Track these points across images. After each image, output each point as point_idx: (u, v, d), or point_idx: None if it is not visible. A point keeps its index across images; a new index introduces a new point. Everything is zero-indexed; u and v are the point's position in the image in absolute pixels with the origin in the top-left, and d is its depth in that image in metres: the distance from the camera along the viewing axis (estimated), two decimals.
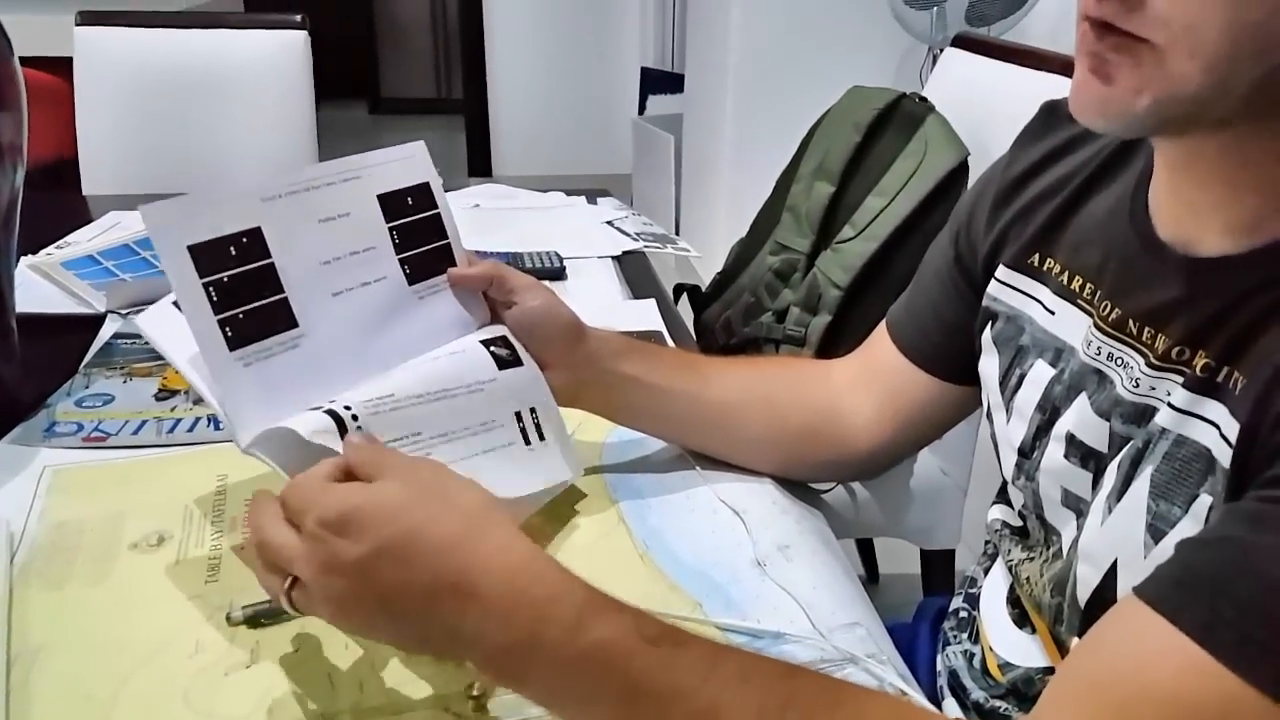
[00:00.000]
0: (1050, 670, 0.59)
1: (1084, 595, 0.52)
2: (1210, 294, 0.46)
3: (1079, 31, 0.45)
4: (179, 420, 0.78)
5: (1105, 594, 0.50)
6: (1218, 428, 0.45)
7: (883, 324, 0.74)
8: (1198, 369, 0.46)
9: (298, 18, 1.60)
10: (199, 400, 0.80)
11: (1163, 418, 0.47)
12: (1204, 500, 0.45)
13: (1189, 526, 0.45)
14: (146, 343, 0.90)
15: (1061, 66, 1.00)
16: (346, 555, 0.43)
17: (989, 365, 0.62)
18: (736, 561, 0.63)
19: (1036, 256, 0.59)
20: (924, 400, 0.70)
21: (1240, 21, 0.39)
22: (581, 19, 4.05)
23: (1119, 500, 0.49)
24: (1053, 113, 0.63)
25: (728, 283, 1.31)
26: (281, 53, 1.59)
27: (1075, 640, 0.54)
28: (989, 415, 0.64)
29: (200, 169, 1.58)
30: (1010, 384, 0.60)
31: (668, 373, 0.71)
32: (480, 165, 4.31)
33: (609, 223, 1.32)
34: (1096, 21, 0.43)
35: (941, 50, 1.38)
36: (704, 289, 1.36)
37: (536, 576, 0.44)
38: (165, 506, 0.66)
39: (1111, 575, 0.50)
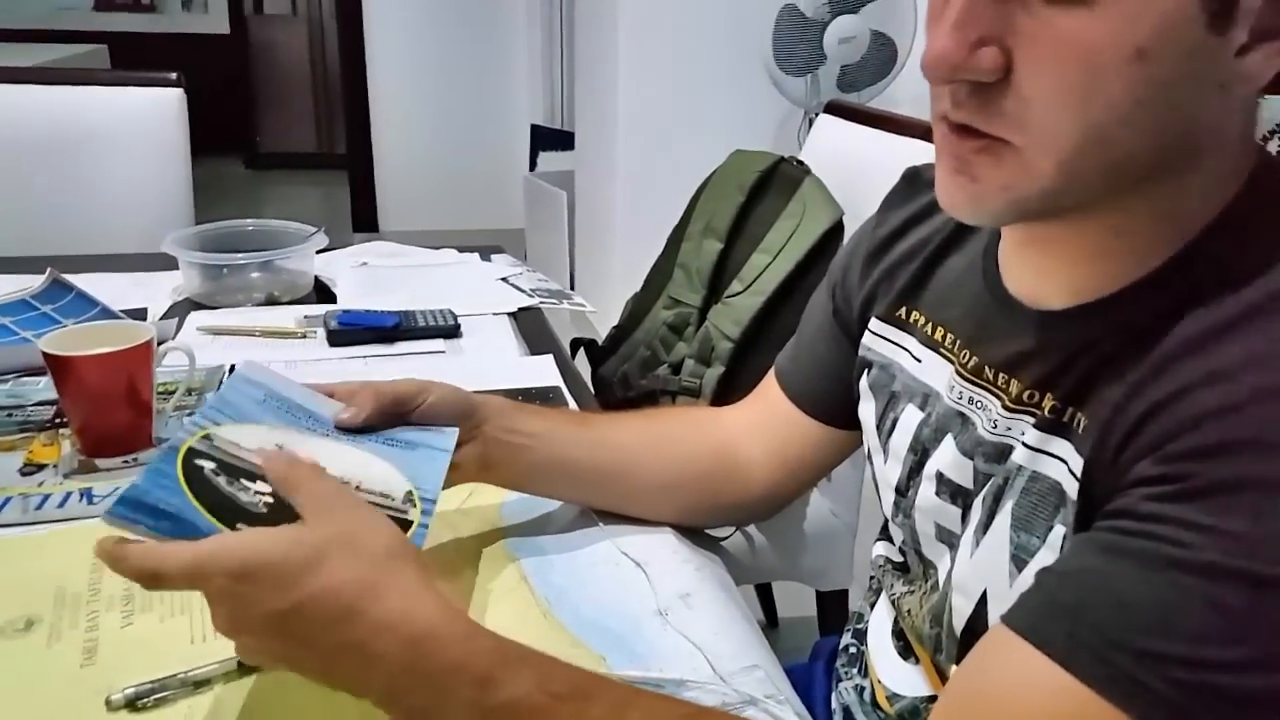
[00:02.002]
0: (934, 698, 0.62)
1: (959, 624, 0.55)
2: (1054, 344, 0.51)
3: (938, 132, 0.48)
4: (47, 496, 0.73)
5: (977, 623, 0.53)
6: (1065, 463, 0.48)
7: (771, 372, 0.78)
8: (1046, 410, 0.50)
9: (173, 75, 1.55)
10: (71, 473, 0.76)
11: (1018, 455, 0.51)
12: (1058, 530, 0.48)
13: (1047, 555, 0.49)
14: (9, 414, 0.85)
15: (923, 132, 1.08)
16: (254, 611, 0.44)
17: (867, 410, 0.66)
18: (639, 613, 0.64)
19: (903, 310, 0.64)
20: (810, 443, 0.75)
21: (1092, 122, 0.42)
22: (469, 75, 4.08)
23: (985, 534, 0.53)
24: (914, 180, 0.69)
25: (624, 337, 1.33)
26: (156, 110, 1.54)
27: (954, 668, 0.56)
28: (869, 457, 0.68)
29: (71, 229, 1.50)
30: (885, 427, 0.64)
31: (565, 428, 0.72)
32: (365, 220, 4.25)
33: (504, 279, 1.32)
34: (956, 124, 0.46)
35: (816, 114, 1.46)
36: (600, 343, 1.38)
37: (442, 640, 0.45)
38: (34, 588, 0.62)
39: (982, 604, 0.53)
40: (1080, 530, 0.47)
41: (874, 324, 0.66)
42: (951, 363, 0.58)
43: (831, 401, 0.73)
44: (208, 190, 1.59)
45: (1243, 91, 0.44)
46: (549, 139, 3.56)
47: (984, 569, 0.53)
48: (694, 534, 0.76)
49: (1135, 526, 0.42)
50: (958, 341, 0.58)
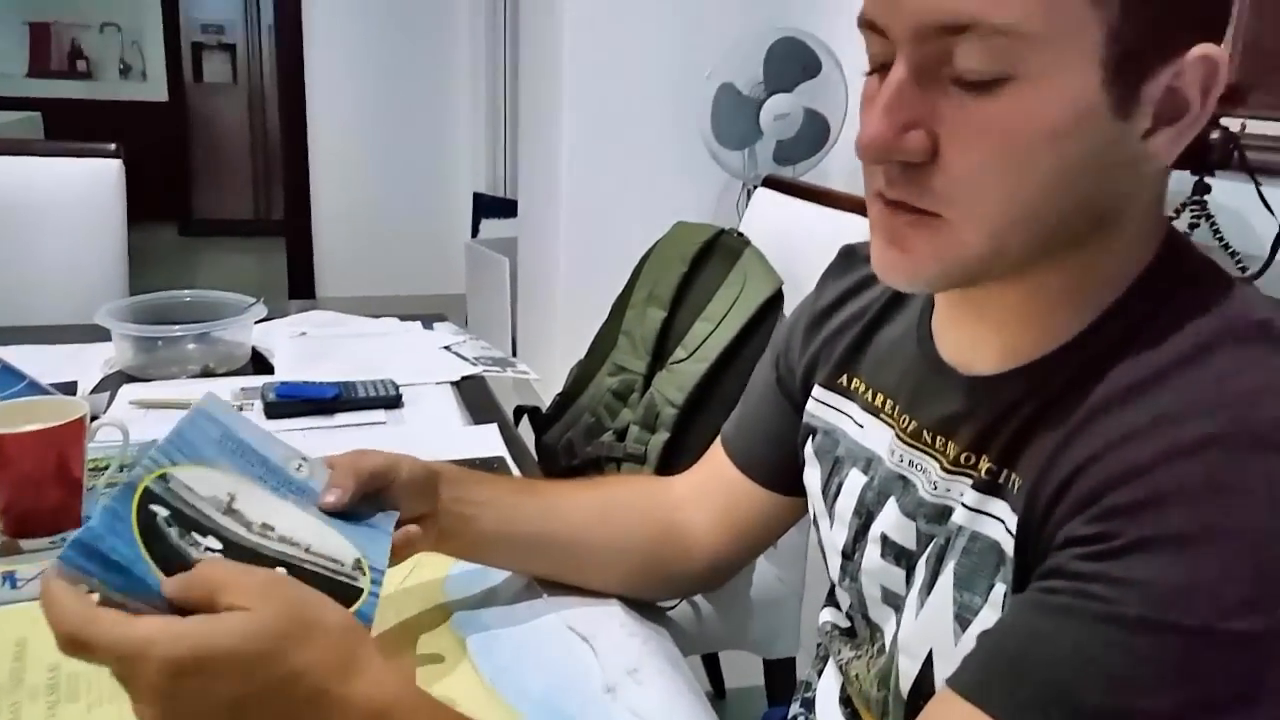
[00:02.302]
0: None
1: (905, 686, 0.56)
2: (986, 407, 0.53)
3: (873, 208, 0.51)
4: None
5: (924, 684, 0.54)
6: (1002, 522, 0.50)
7: (718, 440, 0.79)
8: (983, 471, 0.52)
9: (111, 146, 1.54)
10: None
11: (958, 516, 0.53)
12: (999, 589, 0.50)
13: (989, 614, 0.50)
14: None
15: (856, 206, 1.13)
16: (202, 703, 0.42)
17: (812, 476, 0.68)
18: (586, 689, 0.63)
19: (844, 377, 0.66)
20: (757, 510, 0.76)
21: (1014, 197, 0.46)
22: (412, 143, 4.11)
23: (929, 594, 0.54)
24: (849, 256, 0.72)
25: (568, 404, 1.33)
26: (93, 181, 1.52)
27: None
28: (815, 522, 0.69)
29: (1, 300, 1.46)
30: (831, 492, 0.65)
31: (513, 496, 0.72)
32: (302, 287, 4.20)
33: (446, 348, 1.32)
34: (890, 200, 0.49)
35: (754, 185, 1.51)
36: (544, 410, 1.38)
37: (407, 715, 0.47)
38: None
39: (929, 665, 0.54)
40: (1019, 588, 0.48)
41: (817, 391, 0.68)
42: (891, 427, 0.60)
43: (778, 468, 0.74)
44: (142, 257, 1.57)
45: (1150, 170, 0.48)
46: (492, 206, 3.60)
47: (929, 629, 0.54)
48: (640, 605, 0.75)
49: (1066, 585, 0.44)
50: (896, 406, 0.60)
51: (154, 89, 5.39)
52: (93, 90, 5.32)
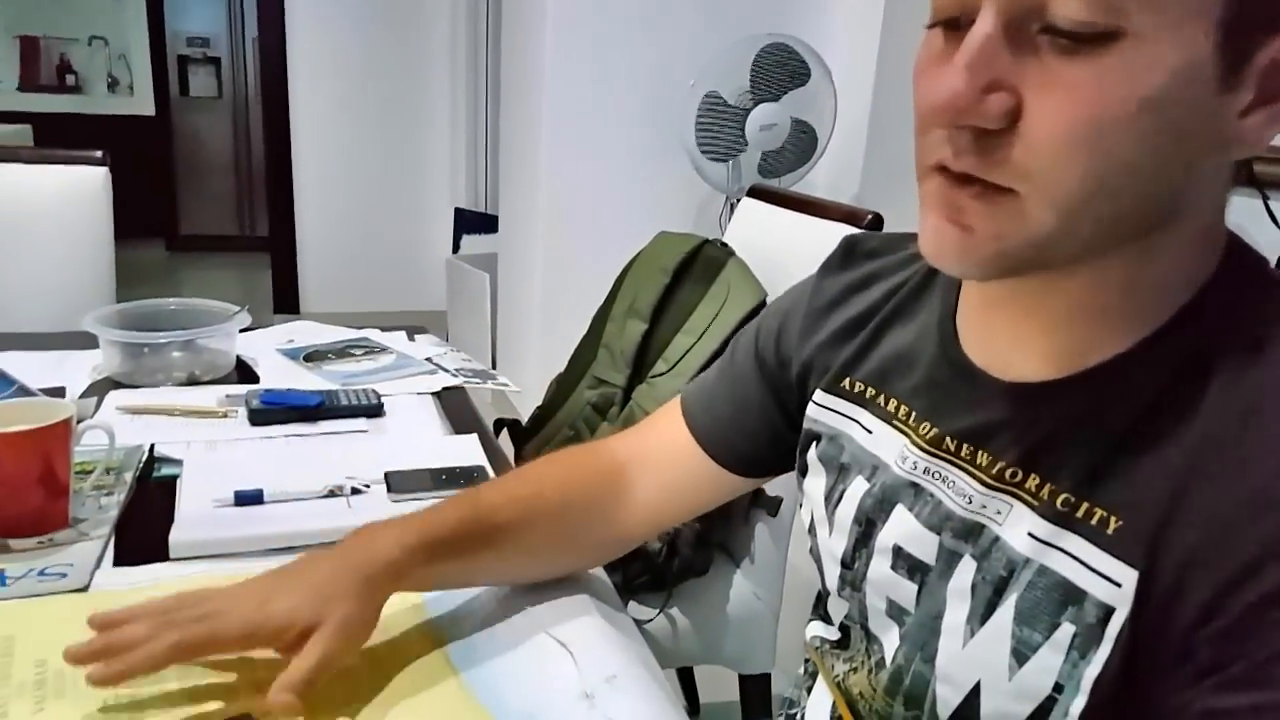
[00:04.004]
0: None
1: (944, 713, 0.53)
2: (1034, 419, 0.49)
3: (928, 182, 0.46)
4: None
5: (967, 712, 0.51)
6: (1079, 560, 0.46)
7: (674, 406, 0.76)
8: (1057, 502, 0.48)
9: (98, 154, 1.54)
10: None
11: (1021, 545, 0.49)
12: (1066, 629, 0.46)
13: (1050, 654, 0.47)
14: None
15: (843, 215, 1.13)
16: None
17: (815, 483, 0.65)
18: (565, 697, 0.63)
19: (848, 381, 0.63)
20: (705, 483, 0.74)
21: (1098, 172, 0.41)
22: (394, 159, 4.13)
23: (982, 625, 0.50)
24: (852, 249, 0.68)
25: (547, 417, 1.35)
26: (80, 190, 1.52)
27: None
28: (811, 530, 0.66)
29: None
30: (833, 499, 0.62)
31: (461, 561, 0.68)
32: (287, 302, 4.20)
33: (427, 359, 1.33)
34: (956, 174, 0.44)
35: (738, 199, 1.50)
36: (524, 424, 1.39)
37: None
38: None
39: (974, 696, 0.51)
40: (1135, 645, 0.44)
41: (819, 395, 0.65)
42: (905, 434, 0.57)
43: (739, 451, 0.72)
44: (128, 272, 1.57)
45: (1239, 154, 0.44)
46: (473, 222, 3.61)
47: (979, 661, 0.50)
48: (618, 616, 0.76)
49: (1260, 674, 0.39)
50: (912, 413, 0.57)
51: (141, 103, 5.39)
52: (81, 104, 5.31)
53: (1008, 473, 0.50)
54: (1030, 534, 0.48)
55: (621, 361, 1.22)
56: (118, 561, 0.76)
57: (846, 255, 0.68)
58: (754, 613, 1.27)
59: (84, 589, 0.72)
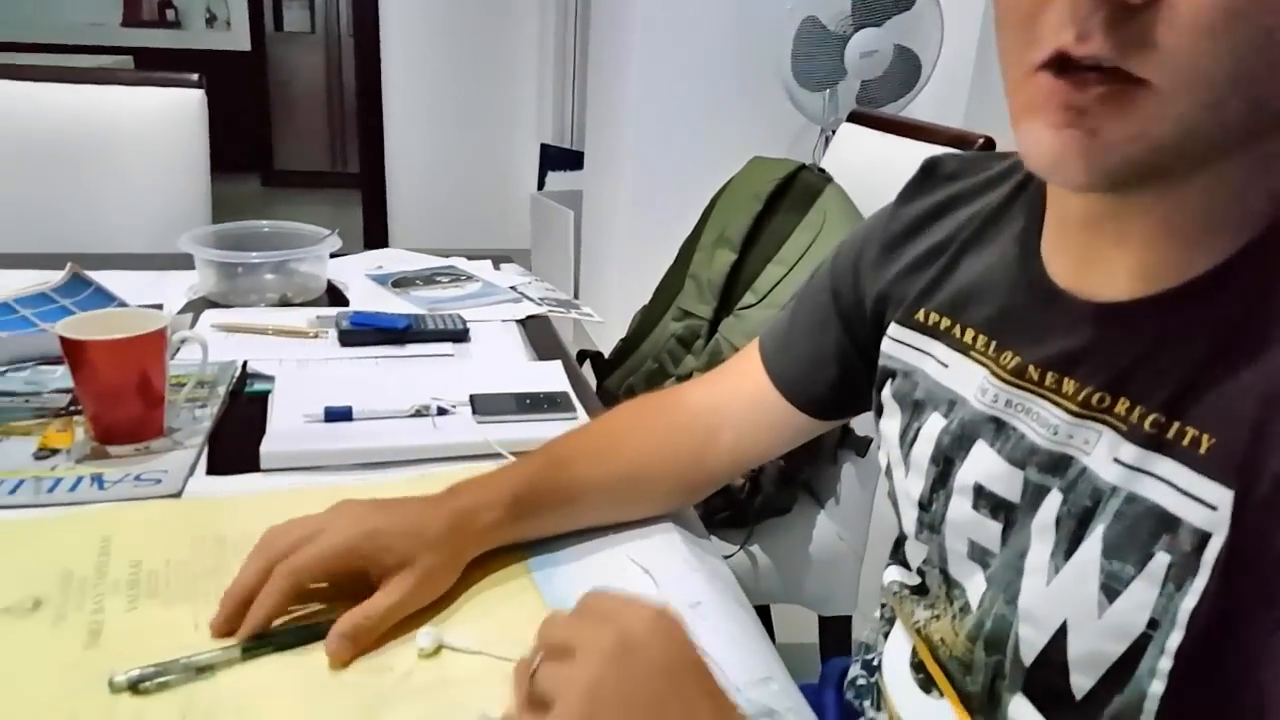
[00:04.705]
0: None
1: (1029, 656, 0.50)
2: (1124, 340, 0.46)
3: (1035, 83, 0.42)
4: (59, 480, 0.73)
5: (1053, 655, 0.49)
6: (1172, 485, 0.44)
7: (753, 346, 0.75)
8: (1141, 422, 0.45)
9: (194, 76, 1.57)
10: (83, 459, 0.76)
11: (1109, 474, 0.46)
12: (1160, 559, 0.44)
13: (1143, 587, 0.44)
14: (26, 400, 0.85)
15: (950, 139, 1.07)
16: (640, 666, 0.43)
17: (890, 423, 0.63)
18: None
19: (923, 313, 0.60)
20: (785, 428, 0.73)
21: (1249, 58, 0.37)
22: (481, 95, 4.12)
23: (1067, 560, 0.48)
24: (932, 171, 0.65)
25: (630, 350, 1.33)
26: (176, 112, 1.55)
27: (1017, 697, 0.51)
28: (888, 472, 0.64)
29: (87, 228, 1.51)
30: (909, 439, 0.60)
31: (546, 519, 0.69)
32: (377, 238, 4.28)
33: (512, 288, 1.33)
34: (1081, 67, 0.39)
35: (834, 131, 1.44)
36: (606, 357, 1.38)
37: None
38: (42, 569, 0.62)
39: (1060, 636, 0.48)
40: (1232, 574, 0.42)
41: (893, 329, 0.62)
42: (985, 365, 0.54)
43: (815, 392, 0.71)
44: (224, 205, 1.60)
45: None
46: (558, 159, 3.59)
47: (1065, 599, 0.47)
48: (704, 546, 0.75)
49: None
50: (992, 343, 0.54)
51: (237, 38, 5.50)
52: (180, 39, 5.45)
53: (1094, 398, 0.47)
54: (1117, 460, 0.46)
55: (708, 293, 1.19)
56: (210, 470, 0.78)
57: (925, 179, 0.65)
58: (837, 554, 1.25)
59: (177, 495, 0.74)
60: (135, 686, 0.52)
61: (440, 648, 0.58)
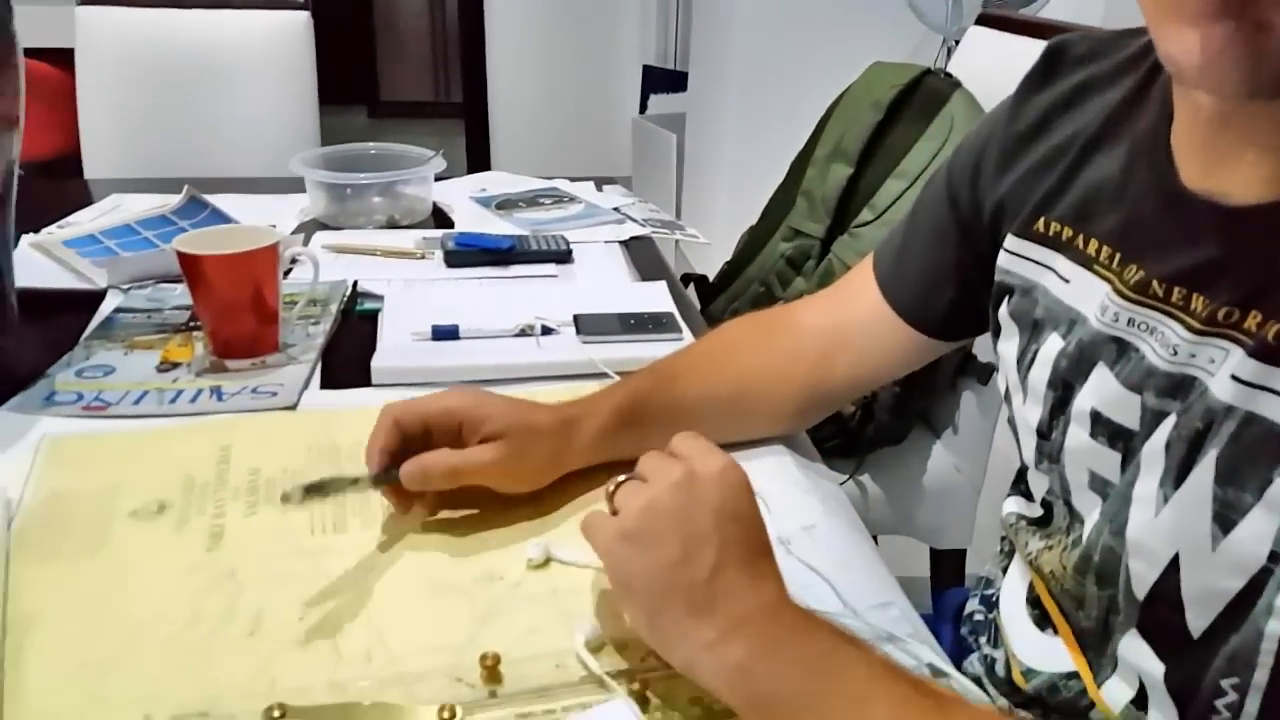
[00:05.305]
0: (1074, 675, 0.54)
1: (1141, 591, 0.47)
2: (1256, 247, 0.42)
3: None
4: (180, 391, 0.75)
5: (1166, 589, 0.45)
6: None
7: (866, 263, 0.71)
8: (1269, 335, 0.41)
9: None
10: (202, 372, 0.78)
11: (1224, 392, 0.42)
12: None
13: (1262, 516, 0.40)
14: (148, 316, 0.88)
15: None
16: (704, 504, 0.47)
17: (1007, 345, 0.58)
18: None
19: (1042, 222, 0.55)
20: (900, 349, 0.69)
21: None
22: (582, 19, 4.04)
23: (1176, 489, 0.44)
24: (1056, 57, 0.58)
25: (736, 273, 1.28)
26: (283, 33, 1.57)
27: (1130, 634, 0.49)
28: (1007, 398, 0.60)
29: (200, 152, 1.56)
30: (1026, 362, 0.56)
31: (651, 435, 0.65)
32: (479, 167, 4.30)
33: (616, 209, 1.30)
34: None
35: (957, 42, 1.35)
36: (711, 280, 1.34)
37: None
38: (165, 475, 0.64)
39: (1173, 570, 0.45)
40: None
41: (1010, 242, 0.57)
42: (1108, 281, 0.50)
43: (931, 311, 0.66)
44: (332, 136, 1.62)
45: None
46: (660, 80, 3.51)
47: (1175, 530, 0.44)
48: (818, 469, 0.72)
49: None
50: (1116, 255, 0.49)
51: None
52: None
53: (1221, 313, 0.43)
54: (1236, 378, 0.42)
55: (821, 210, 1.12)
56: (324, 385, 0.80)
57: (1050, 65, 0.57)
58: (952, 485, 1.20)
59: (292, 407, 0.75)
60: (310, 492, 0.55)
61: (549, 560, 0.58)
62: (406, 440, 0.59)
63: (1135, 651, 0.48)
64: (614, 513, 0.50)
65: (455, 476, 0.58)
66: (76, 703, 0.45)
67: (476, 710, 0.46)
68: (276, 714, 0.44)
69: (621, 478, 0.51)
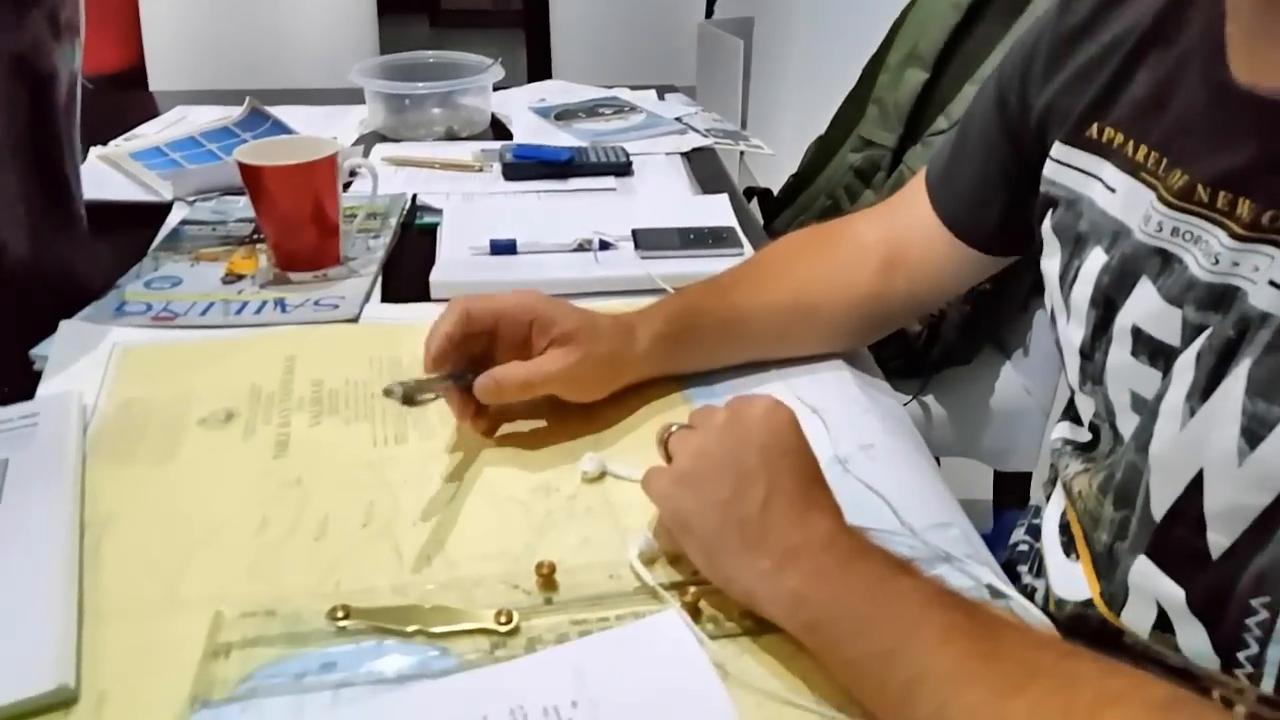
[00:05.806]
0: (1089, 604, 0.53)
1: (1159, 510, 0.46)
2: None
3: None
4: (246, 303, 0.77)
5: (1187, 509, 0.44)
6: None
7: (919, 182, 0.68)
8: None
9: None
10: (266, 284, 0.79)
11: (1260, 299, 0.40)
12: None
13: None
14: (213, 229, 0.90)
15: None
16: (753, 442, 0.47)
17: (1050, 262, 0.56)
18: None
19: (1094, 128, 0.52)
20: (953, 265, 0.67)
21: None
22: None
23: (1203, 401, 0.43)
24: None
25: (802, 186, 1.24)
26: None
27: (1140, 559, 0.47)
28: (1052, 319, 0.57)
29: (263, 62, 1.56)
30: (1069, 280, 0.53)
31: (707, 345, 0.67)
32: (540, 77, 4.22)
33: (678, 119, 1.26)
34: None
35: None
36: (775, 194, 1.30)
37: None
38: (233, 385, 0.65)
39: (1195, 489, 0.44)
40: None
41: (1057, 150, 0.54)
42: (1153, 188, 0.47)
43: (986, 227, 0.64)
44: (393, 48, 1.60)
45: None
46: None
47: (1201, 445, 0.43)
48: (879, 386, 0.71)
49: None
50: (1163, 160, 0.47)
51: None
52: None
53: (1266, 217, 0.41)
54: (1274, 283, 0.40)
55: (894, 118, 1.07)
56: (384, 298, 0.80)
57: None
58: (1021, 407, 1.17)
59: (354, 319, 0.76)
60: (408, 397, 0.56)
61: (604, 473, 0.58)
62: (469, 336, 0.59)
63: (1144, 576, 0.47)
64: (667, 459, 0.51)
65: (528, 388, 0.59)
66: (151, 598, 0.48)
67: (532, 615, 0.47)
68: (340, 614, 0.45)
69: (674, 426, 0.53)
